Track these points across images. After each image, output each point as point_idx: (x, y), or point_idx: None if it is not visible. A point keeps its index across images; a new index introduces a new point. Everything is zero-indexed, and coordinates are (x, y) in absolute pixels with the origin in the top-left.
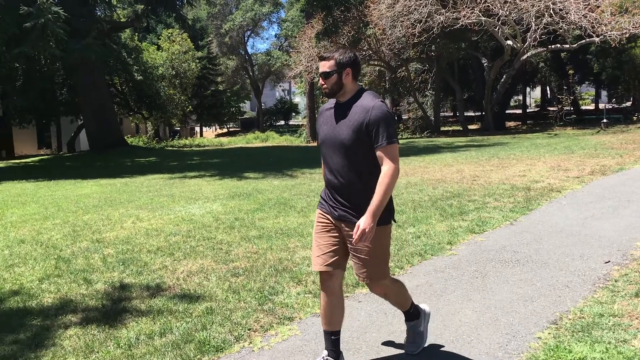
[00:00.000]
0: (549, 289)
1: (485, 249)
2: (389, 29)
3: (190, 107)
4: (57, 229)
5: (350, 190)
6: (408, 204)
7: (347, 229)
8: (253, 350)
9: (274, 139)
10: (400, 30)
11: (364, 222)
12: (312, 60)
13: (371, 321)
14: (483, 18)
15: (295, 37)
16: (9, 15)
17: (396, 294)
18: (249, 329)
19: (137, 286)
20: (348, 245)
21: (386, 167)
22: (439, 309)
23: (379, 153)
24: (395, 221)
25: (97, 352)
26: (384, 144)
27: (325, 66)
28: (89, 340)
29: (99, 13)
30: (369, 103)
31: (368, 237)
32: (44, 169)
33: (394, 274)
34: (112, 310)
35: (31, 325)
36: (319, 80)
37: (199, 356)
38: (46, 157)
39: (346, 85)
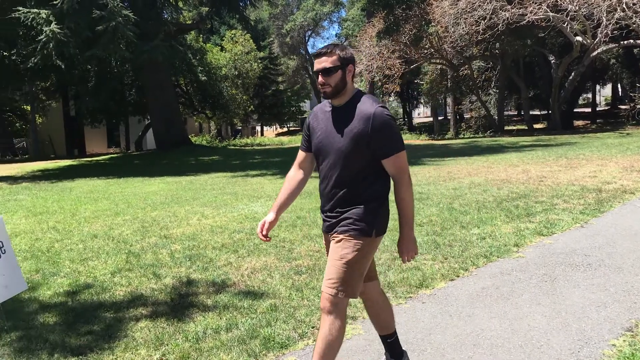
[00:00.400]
0: (623, 295)
1: (554, 252)
2: (452, 26)
3: (251, 106)
4: (127, 224)
5: (346, 201)
6: (472, 204)
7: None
8: None
9: None
10: (463, 28)
11: (406, 238)
12: (372, 59)
13: (435, 323)
14: (551, 14)
15: (356, 36)
16: (82, 19)
17: (337, 329)
18: (312, 327)
19: (203, 282)
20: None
21: (400, 182)
22: (506, 313)
23: (387, 165)
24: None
25: (167, 345)
26: (391, 155)
27: (327, 62)
28: (159, 333)
29: (165, 16)
30: (369, 109)
31: (414, 249)
32: (114, 166)
33: (458, 276)
34: (180, 304)
35: (104, 317)
36: (382, 78)
37: (264, 352)
38: (115, 155)
39: (348, 84)
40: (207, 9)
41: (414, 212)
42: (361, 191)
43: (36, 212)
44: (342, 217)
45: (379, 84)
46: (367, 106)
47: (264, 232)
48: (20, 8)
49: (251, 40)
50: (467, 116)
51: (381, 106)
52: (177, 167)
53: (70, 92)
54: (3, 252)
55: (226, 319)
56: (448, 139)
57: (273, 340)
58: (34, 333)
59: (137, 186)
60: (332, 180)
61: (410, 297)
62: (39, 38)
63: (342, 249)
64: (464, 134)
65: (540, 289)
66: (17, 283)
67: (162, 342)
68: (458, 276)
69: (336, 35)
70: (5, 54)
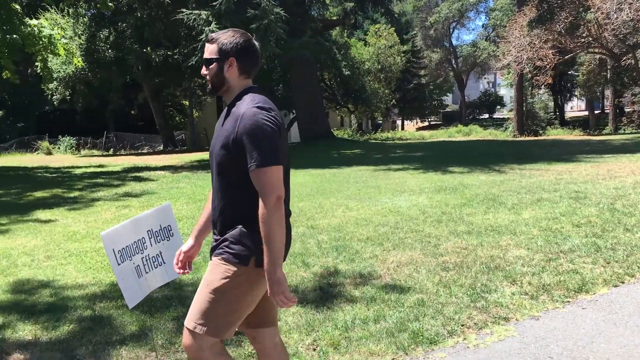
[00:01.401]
0: None
1: None
2: (614, 12)
3: (393, 100)
4: None
5: (227, 220)
6: (637, 205)
7: None
8: (468, 347)
9: (477, 133)
10: (627, 14)
11: (269, 278)
12: (522, 50)
13: (598, 330)
14: None
15: (505, 26)
16: (238, 18)
17: None
18: (462, 325)
19: (350, 273)
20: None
21: (263, 203)
22: None
23: (252, 179)
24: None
25: (317, 331)
26: (252, 167)
27: (207, 51)
28: (310, 319)
29: (313, 12)
30: (241, 110)
31: (288, 301)
32: None
33: (622, 282)
34: (329, 293)
35: None
36: (532, 70)
37: (412, 346)
38: None
39: (229, 80)
40: (352, 4)
41: (281, 244)
42: (243, 209)
43: (195, 199)
44: (222, 238)
45: (529, 76)
46: (242, 106)
47: (180, 265)
48: (184, 10)
49: (395, 34)
50: (628, 110)
51: (258, 106)
52: (320, 160)
53: None
54: (171, 234)
55: (374, 311)
56: (606, 134)
57: (422, 335)
58: None
59: None
60: (214, 194)
61: (569, 301)
62: (200, 37)
63: (210, 274)
64: (624, 130)
65: None
66: None
67: (312, 328)
68: (623, 282)
69: (483, 26)
70: (169, 53)
